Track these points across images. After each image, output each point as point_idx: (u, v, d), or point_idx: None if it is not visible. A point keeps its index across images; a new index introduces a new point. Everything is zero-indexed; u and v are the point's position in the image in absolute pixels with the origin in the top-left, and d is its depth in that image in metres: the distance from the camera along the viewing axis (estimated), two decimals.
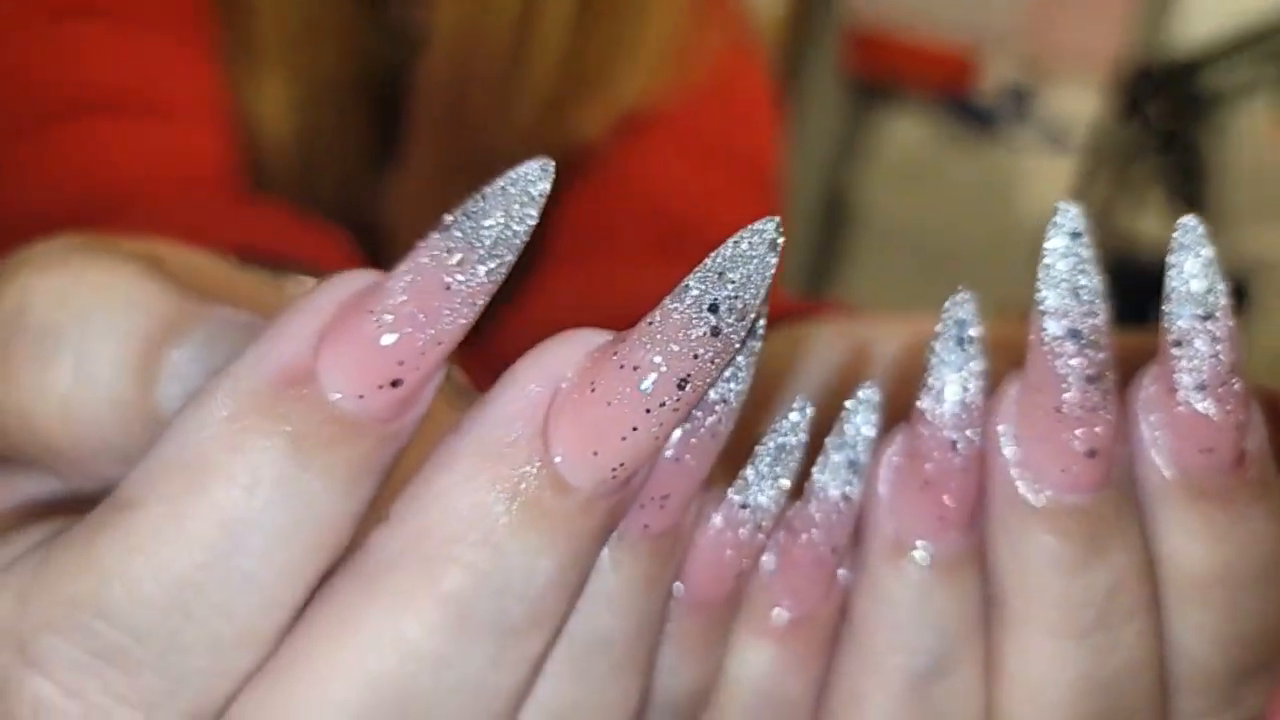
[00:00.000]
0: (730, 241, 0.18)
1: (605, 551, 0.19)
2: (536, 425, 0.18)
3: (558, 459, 0.17)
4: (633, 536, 0.19)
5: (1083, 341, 0.19)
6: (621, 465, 0.18)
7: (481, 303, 0.18)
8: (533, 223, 0.18)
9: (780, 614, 0.22)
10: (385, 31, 0.61)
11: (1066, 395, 0.20)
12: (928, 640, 0.21)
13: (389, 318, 0.17)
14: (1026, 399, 0.20)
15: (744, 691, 0.22)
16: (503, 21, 0.59)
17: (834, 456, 0.21)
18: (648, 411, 0.17)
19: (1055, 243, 0.19)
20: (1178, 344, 0.20)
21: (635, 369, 0.17)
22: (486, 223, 0.17)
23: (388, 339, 0.17)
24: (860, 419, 0.21)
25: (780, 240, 0.18)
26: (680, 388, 0.17)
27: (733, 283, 0.17)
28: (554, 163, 0.18)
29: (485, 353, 0.40)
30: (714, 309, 0.17)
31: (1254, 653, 0.22)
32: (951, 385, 0.20)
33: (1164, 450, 0.21)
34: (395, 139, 0.62)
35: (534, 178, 0.18)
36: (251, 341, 0.18)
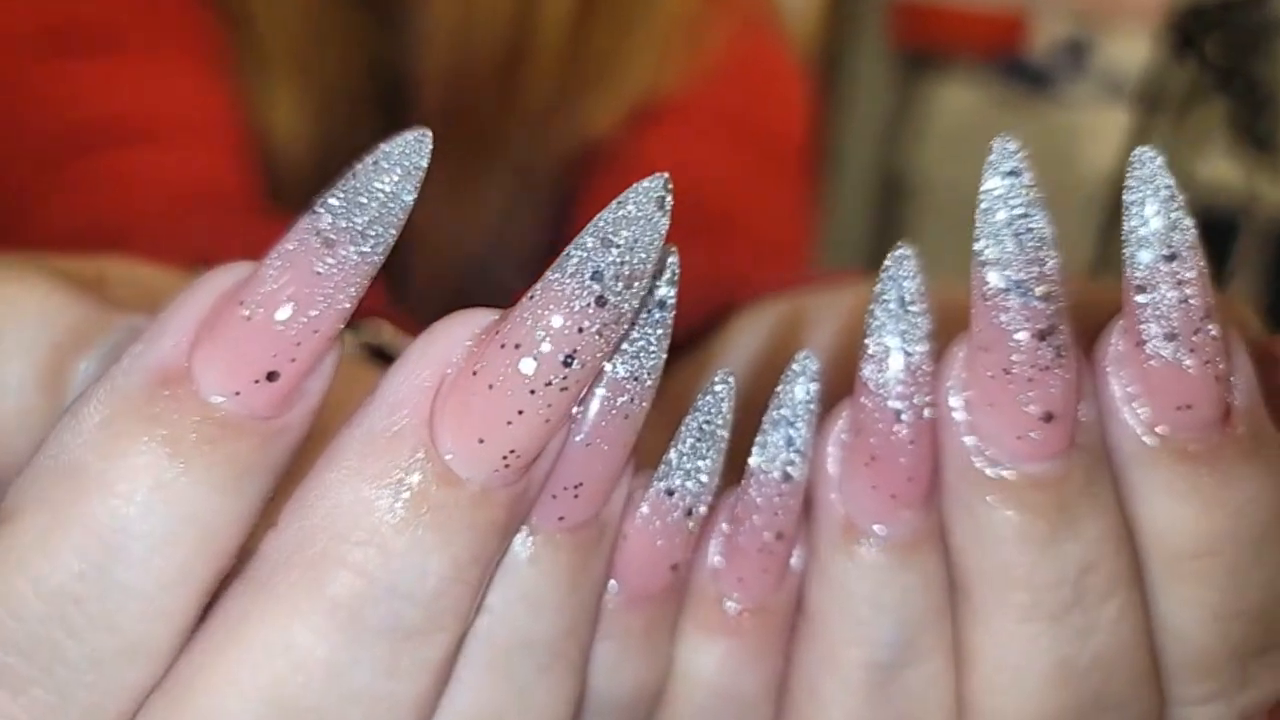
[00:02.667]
0: (615, 203, 0.16)
1: (519, 546, 0.18)
2: (422, 415, 0.16)
3: (445, 449, 0.16)
4: (548, 529, 0.18)
5: (1029, 294, 0.17)
6: (512, 453, 0.16)
7: (357, 285, 0.16)
8: (410, 197, 0.16)
9: (729, 606, 0.20)
10: (390, 31, 0.60)
11: (1015, 355, 0.18)
12: (886, 630, 0.19)
13: (259, 309, 0.16)
14: (974, 361, 0.18)
15: (697, 689, 0.20)
16: (497, 14, 0.58)
17: (771, 435, 0.19)
18: (533, 393, 0.16)
19: (991, 184, 0.17)
20: (1141, 290, 0.18)
21: (517, 347, 0.16)
22: (359, 201, 0.16)
23: (255, 330, 0.16)
24: (797, 391, 0.19)
25: (669, 196, 0.16)
26: (567, 364, 0.16)
27: (618, 247, 0.16)
28: (430, 133, 0.17)
29: None
30: (598, 276, 0.16)
31: (1263, 627, 0.20)
32: (894, 351, 0.18)
33: (1138, 409, 0.19)
34: None
35: (409, 150, 0.16)
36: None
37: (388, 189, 0.16)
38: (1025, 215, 0.17)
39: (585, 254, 0.16)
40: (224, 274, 0.17)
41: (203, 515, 0.16)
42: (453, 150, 0.61)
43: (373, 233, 0.16)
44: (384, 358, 0.30)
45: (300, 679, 0.16)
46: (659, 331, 0.17)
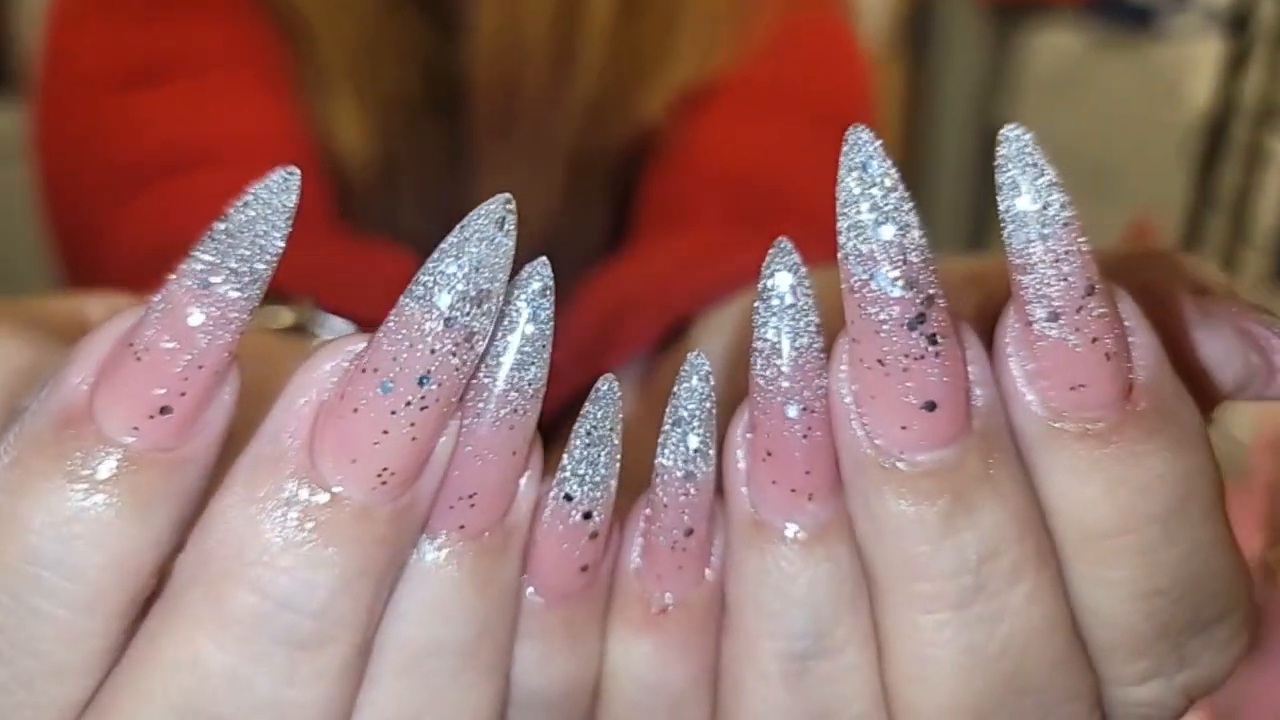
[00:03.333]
0: (458, 226, 0.17)
1: (427, 554, 0.19)
2: (302, 439, 0.17)
3: (324, 470, 0.17)
4: (450, 538, 0.19)
5: (895, 282, 0.17)
6: (386, 470, 0.17)
7: (238, 323, 0.17)
8: (280, 235, 0.17)
9: (651, 604, 0.21)
10: (443, 39, 0.62)
11: (885, 346, 0.18)
12: (798, 622, 0.19)
13: (145, 351, 0.17)
14: (853, 353, 0.18)
15: (628, 684, 0.21)
16: (542, 12, 0.58)
17: (671, 434, 0.19)
18: (394, 414, 0.17)
19: (848, 176, 0.17)
20: (1022, 270, 0.18)
21: (376, 371, 0.17)
22: (232, 243, 0.17)
23: (144, 369, 0.17)
24: (689, 389, 0.19)
25: (511, 216, 0.17)
26: (423, 385, 0.17)
27: (462, 269, 0.16)
28: (299, 172, 0.17)
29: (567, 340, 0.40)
30: (444, 299, 0.16)
31: (1189, 605, 0.19)
32: (780, 345, 0.19)
33: (1036, 390, 0.18)
34: (469, 144, 0.63)
35: (277, 190, 0.17)
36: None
37: (258, 229, 0.17)
38: (886, 204, 0.17)
39: (431, 278, 0.16)
40: (123, 318, 0.18)
41: (111, 544, 0.17)
42: (509, 148, 0.62)
43: (245, 271, 0.17)
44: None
45: (207, 691, 0.17)
46: (536, 344, 0.18)
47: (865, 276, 0.17)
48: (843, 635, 0.20)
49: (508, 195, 0.17)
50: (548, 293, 0.18)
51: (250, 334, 0.31)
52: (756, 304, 0.19)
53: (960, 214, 1.89)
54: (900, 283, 0.17)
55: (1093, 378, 0.18)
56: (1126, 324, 0.18)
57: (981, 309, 0.26)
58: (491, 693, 0.19)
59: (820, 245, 0.42)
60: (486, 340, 0.17)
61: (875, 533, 0.19)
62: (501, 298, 0.17)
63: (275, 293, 0.34)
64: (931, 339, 0.17)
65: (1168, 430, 0.18)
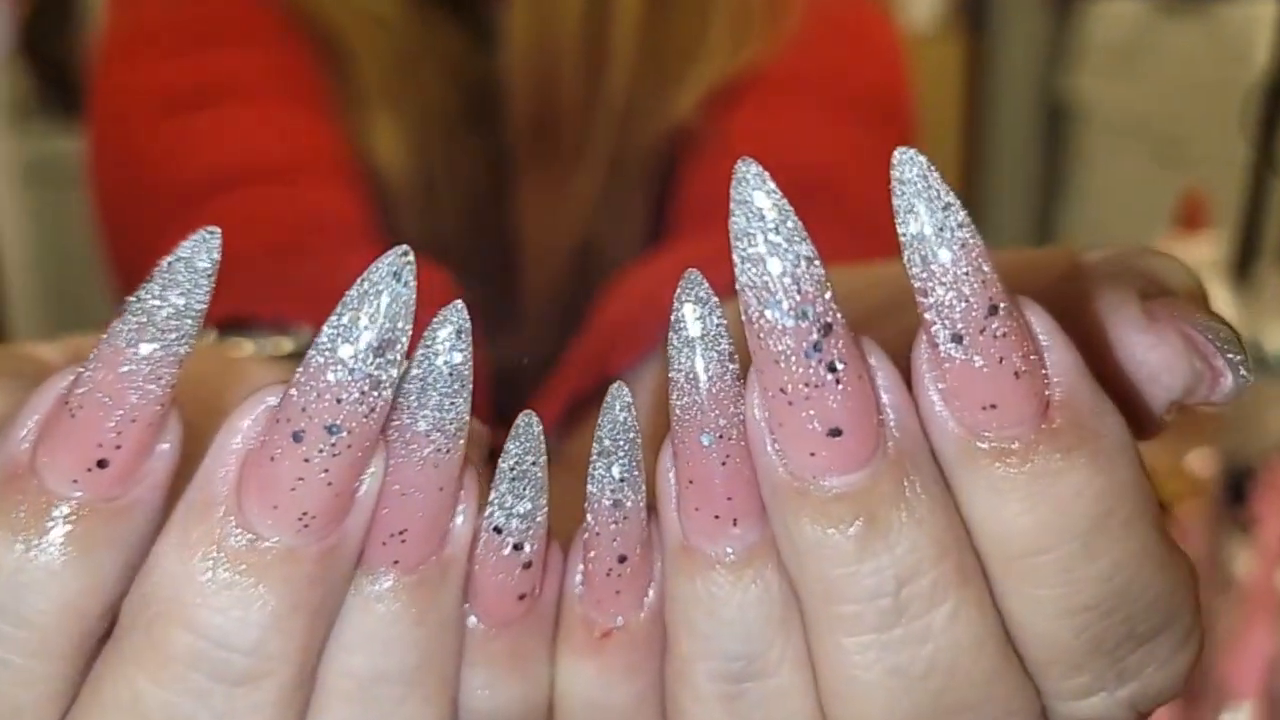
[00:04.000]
0: (358, 280, 0.17)
1: (366, 588, 0.19)
2: (231, 486, 0.18)
3: (250, 515, 0.18)
4: (385, 573, 0.19)
5: (790, 313, 0.17)
6: (306, 514, 0.18)
7: (166, 378, 0.18)
8: (203, 295, 0.18)
9: (594, 628, 0.21)
10: (477, 50, 0.63)
11: (784, 376, 0.18)
12: (730, 644, 0.20)
13: (79, 407, 0.18)
14: (759, 382, 0.18)
15: (575, 707, 0.21)
16: (571, 16, 0.59)
17: (597, 465, 0.20)
18: (307, 461, 0.18)
19: (737, 211, 0.17)
20: (923, 293, 0.18)
21: (288, 421, 0.18)
22: (154, 303, 0.18)
23: (80, 425, 0.18)
24: (611, 419, 0.20)
25: (409, 268, 0.17)
26: (332, 433, 0.17)
27: (362, 321, 0.17)
28: (219, 233, 0.18)
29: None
30: (348, 350, 0.17)
31: (1120, 620, 0.19)
32: (693, 376, 0.19)
33: (949, 411, 0.18)
34: (507, 153, 0.64)
35: (198, 252, 0.18)
36: None
37: (182, 289, 0.18)
38: (777, 237, 0.17)
39: (335, 330, 0.17)
40: (63, 375, 0.19)
41: (56, 592, 0.18)
42: (545, 154, 0.62)
43: (169, 331, 0.18)
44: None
45: None
46: (455, 385, 0.19)
47: (760, 308, 0.18)
48: (776, 657, 0.20)
49: (405, 247, 0.17)
50: (463, 334, 0.19)
51: (250, 363, 0.32)
52: (670, 335, 0.19)
53: (1029, 190, 1.85)
54: (793, 313, 0.17)
55: (1002, 397, 0.18)
56: (1042, 339, 0.18)
57: None
58: (436, 718, 0.20)
59: (859, 236, 0.41)
60: (393, 387, 0.18)
61: (796, 556, 0.19)
62: (405, 346, 0.17)
63: (280, 320, 0.35)
64: (830, 366, 0.18)
65: (1086, 446, 0.18)
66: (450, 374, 0.18)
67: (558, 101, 0.61)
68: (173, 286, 0.18)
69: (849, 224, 0.56)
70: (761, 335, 0.18)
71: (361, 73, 0.59)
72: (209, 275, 0.18)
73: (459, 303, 0.19)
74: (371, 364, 0.17)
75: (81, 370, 0.18)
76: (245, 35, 0.60)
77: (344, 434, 0.17)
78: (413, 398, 0.19)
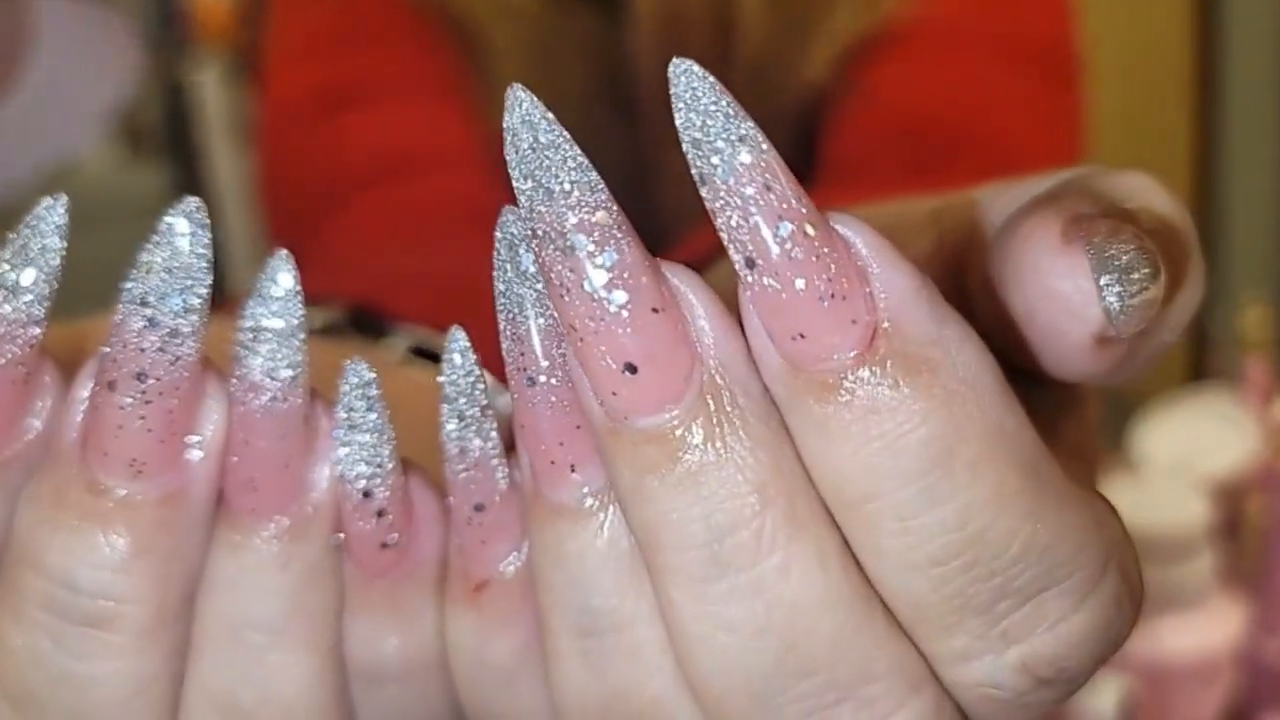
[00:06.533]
0: (151, 233, 0.18)
1: (223, 535, 0.20)
2: (73, 439, 0.19)
3: (90, 464, 0.19)
4: (242, 520, 0.20)
5: (571, 250, 0.17)
6: (136, 460, 0.19)
7: (21, 337, 0.19)
8: (56, 253, 0.19)
9: (469, 581, 0.21)
10: (611, 26, 0.63)
11: (570, 311, 0.17)
12: (577, 597, 0.19)
13: None
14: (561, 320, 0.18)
15: (460, 659, 0.21)
16: None
17: (443, 414, 0.20)
18: (122, 408, 0.18)
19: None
20: (713, 214, 0.16)
21: (104, 371, 0.18)
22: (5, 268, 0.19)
23: None
24: (451, 366, 0.19)
25: (194, 216, 0.18)
26: (141, 380, 0.18)
27: (158, 274, 0.18)
28: (66, 198, 0.19)
29: None
30: (144, 301, 0.18)
31: (985, 574, 0.17)
32: (522, 319, 0.18)
33: (771, 345, 0.17)
34: (644, 132, 0.64)
35: (47, 214, 0.19)
36: None
37: (32, 246, 0.19)
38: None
39: (133, 283, 0.18)
40: None
41: None
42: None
43: (28, 291, 0.19)
44: (431, 357, 0.33)
45: (13, 668, 0.19)
46: (285, 337, 0.19)
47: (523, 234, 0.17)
48: (629, 611, 0.19)
49: (198, 200, 0.18)
50: (294, 294, 0.19)
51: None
52: (495, 272, 0.18)
53: (1269, 139, 1.67)
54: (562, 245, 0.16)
55: (810, 326, 0.16)
56: (868, 262, 0.17)
57: (941, 246, 0.24)
58: (311, 667, 0.21)
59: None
60: (197, 337, 0.18)
61: (621, 503, 0.18)
62: (205, 299, 0.18)
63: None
64: (618, 300, 0.17)
65: (917, 378, 0.16)
66: (282, 327, 0.19)
67: None
68: (21, 246, 0.19)
69: (978, 171, 0.53)
70: (552, 269, 0.17)
71: (499, 63, 0.61)
72: (58, 233, 0.19)
73: (192, 199, 0.18)
74: (167, 314, 0.18)
75: None
76: (385, 35, 0.63)
77: (152, 381, 0.18)
78: (246, 346, 0.19)
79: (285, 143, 0.64)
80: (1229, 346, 0.82)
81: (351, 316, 0.34)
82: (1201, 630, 0.56)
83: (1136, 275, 0.17)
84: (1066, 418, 0.23)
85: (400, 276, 0.50)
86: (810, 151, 0.59)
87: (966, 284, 0.22)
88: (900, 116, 0.57)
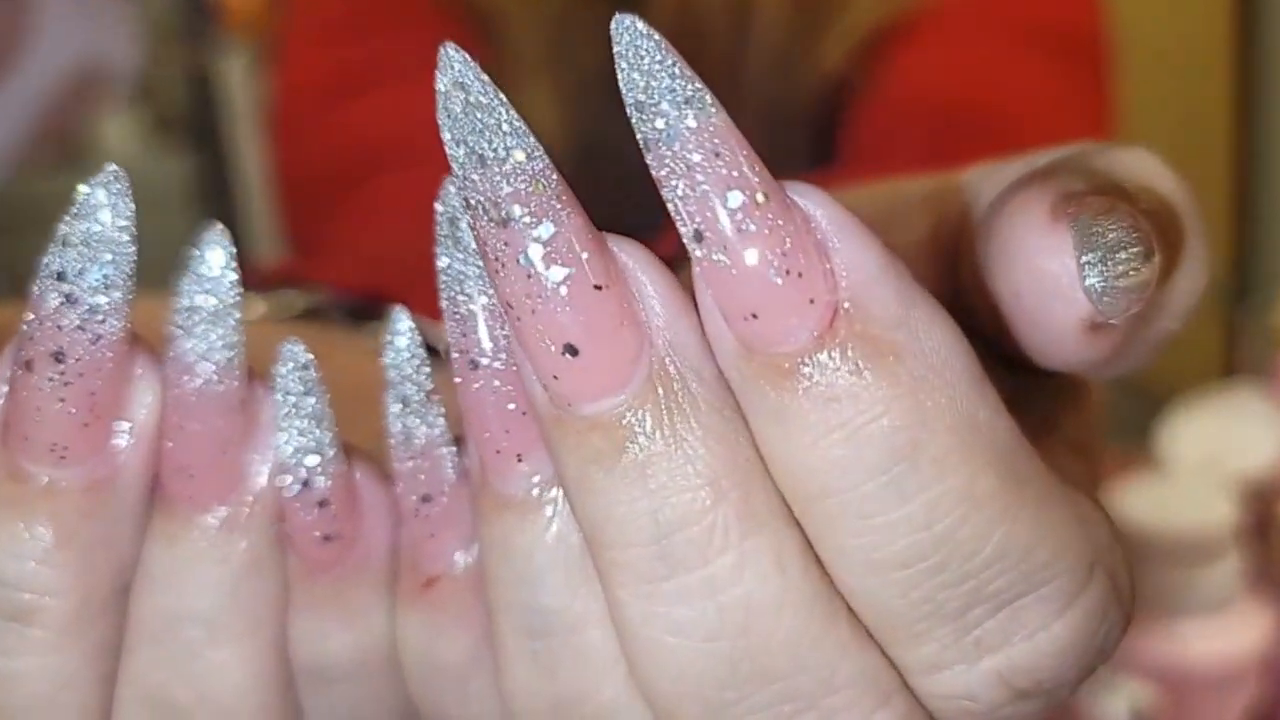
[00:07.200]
0: (69, 208, 0.17)
1: (158, 526, 0.19)
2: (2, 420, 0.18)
3: (12, 451, 0.18)
4: (179, 510, 0.19)
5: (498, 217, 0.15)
6: (57, 444, 0.18)
7: None
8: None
9: (417, 574, 0.20)
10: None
11: (507, 289, 0.16)
12: (525, 595, 0.18)
13: None
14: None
15: (410, 657, 0.20)
16: None
17: (385, 397, 0.19)
18: (41, 390, 0.17)
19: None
20: (659, 184, 0.15)
21: (21, 351, 0.17)
22: None
23: None
24: (394, 350, 0.18)
25: (114, 188, 0.16)
26: (60, 360, 0.17)
27: (74, 247, 0.17)
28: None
29: None
30: (61, 277, 0.17)
31: (957, 578, 0.16)
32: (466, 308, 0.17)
33: (725, 326, 0.16)
34: None
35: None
36: None
37: None
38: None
39: (50, 258, 0.17)
40: None
41: None
42: None
43: None
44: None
45: None
46: (220, 317, 0.18)
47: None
48: (580, 610, 0.18)
49: (116, 170, 0.17)
50: (228, 270, 0.18)
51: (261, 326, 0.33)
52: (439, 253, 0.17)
53: None
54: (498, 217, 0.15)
55: (762, 305, 0.15)
56: (829, 237, 0.15)
57: (936, 231, 0.22)
58: (251, 665, 0.19)
59: None
60: (120, 315, 0.17)
61: (567, 495, 0.17)
62: (128, 275, 0.17)
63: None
64: (555, 276, 0.15)
65: (879, 362, 0.15)
66: (215, 306, 0.18)
67: (706, 54, 0.59)
68: None
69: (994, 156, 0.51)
70: (479, 241, 0.16)
71: (517, 45, 0.60)
72: None
73: (114, 168, 0.17)
74: (85, 290, 0.17)
75: None
76: (401, 18, 0.62)
77: (71, 361, 0.17)
78: (180, 326, 0.18)
79: (301, 126, 0.64)
80: (1261, 342, 0.80)
81: (353, 303, 0.33)
82: (1227, 635, 0.54)
83: (1124, 255, 0.16)
84: (1066, 410, 0.22)
85: (415, 259, 0.49)
86: (830, 143, 0.58)
87: (960, 272, 0.21)
88: (921, 102, 0.56)
